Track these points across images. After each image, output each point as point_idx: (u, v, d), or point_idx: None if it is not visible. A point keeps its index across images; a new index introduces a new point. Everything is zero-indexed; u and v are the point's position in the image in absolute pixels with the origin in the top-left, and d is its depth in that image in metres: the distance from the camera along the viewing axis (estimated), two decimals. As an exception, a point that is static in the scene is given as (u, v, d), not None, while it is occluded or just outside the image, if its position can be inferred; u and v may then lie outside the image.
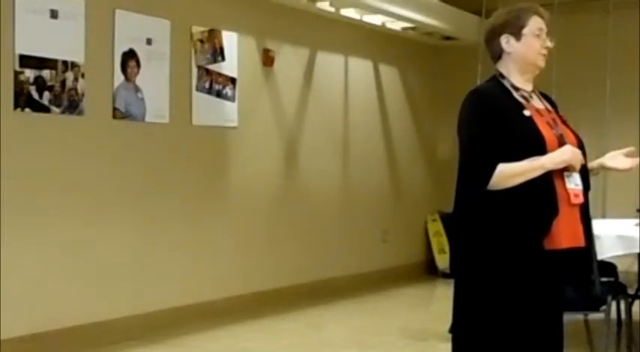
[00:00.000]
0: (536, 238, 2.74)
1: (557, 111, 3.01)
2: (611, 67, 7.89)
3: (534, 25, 2.90)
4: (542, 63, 2.92)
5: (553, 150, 2.78)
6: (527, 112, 2.83)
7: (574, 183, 2.82)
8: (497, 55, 2.96)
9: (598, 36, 8.00)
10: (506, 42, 2.91)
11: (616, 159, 3.05)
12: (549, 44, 2.92)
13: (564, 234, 2.78)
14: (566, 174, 2.80)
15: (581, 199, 2.84)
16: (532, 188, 2.74)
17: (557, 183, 2.78)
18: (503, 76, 2.93)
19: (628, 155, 3.05)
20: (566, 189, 2.80)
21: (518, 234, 2.75)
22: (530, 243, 2.75)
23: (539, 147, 2.77)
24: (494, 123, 2.77)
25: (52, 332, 5.16)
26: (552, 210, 2.75)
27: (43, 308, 5.14)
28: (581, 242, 2.86)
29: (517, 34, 2.90)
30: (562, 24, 7.49)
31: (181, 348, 5.45)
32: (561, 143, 2.81)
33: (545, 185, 2.75)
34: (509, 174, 2.74)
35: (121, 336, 5.49)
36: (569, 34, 7.89)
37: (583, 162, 2.85)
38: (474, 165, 2.79)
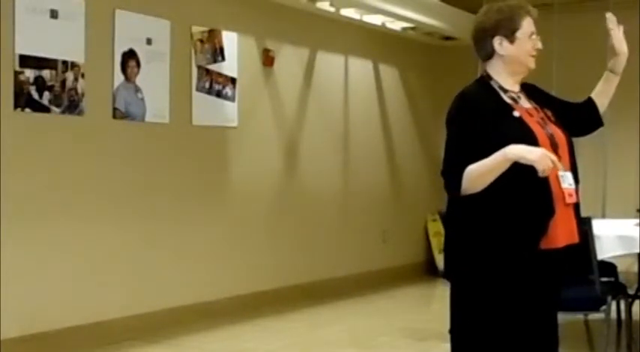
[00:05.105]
0: (533, 239, 2.72)
1: (545, 97, 2.98)
2: (611, 67, 7.86)
3: (528, 27, 2.86)
4: (532, 64, 2.89)
5: (545, 149, 2.74)
6: (516, 113, 2.80)
7: (567, 182, 2.81)
8: (488, 55, 2.89)
9: (598, 36, 7.97)
10: (499, 44, 2.85)
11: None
12: (540, 46, 2.88)
13: (561, 233, 2.78)
14: (560, 174, 2.79)
15: (574, 198, 2.83)
16: (528, 189, 2.72)
17: (553, 183, 2.76)
18: (490, 77, 2.89)
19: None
20: (561, 189, 2.78)
21: (515, 236, 2.73)
22: (526, 244, 2.73)
23: (532, 147, 2.72)
24: (480, 128, 2.73)
25: (52, 332, 5.16)
26: (549, 212, 2.74)
27: (43, 308, 5.14)
28: (575, 238, 2.86)
29: (510, 37, 2.84)
30: (562, 24, 7.52)
31: (181, 348, 5.45)
32: (553, 143, 2.80)
33: (541, 186, 2.72)
34: (476, 174, 2.69)
35: (121, 336, 5.50)
36: (569, 34, 7.90)
37: (559, 168, 2.72)
38: (446, 173, 2.76)
